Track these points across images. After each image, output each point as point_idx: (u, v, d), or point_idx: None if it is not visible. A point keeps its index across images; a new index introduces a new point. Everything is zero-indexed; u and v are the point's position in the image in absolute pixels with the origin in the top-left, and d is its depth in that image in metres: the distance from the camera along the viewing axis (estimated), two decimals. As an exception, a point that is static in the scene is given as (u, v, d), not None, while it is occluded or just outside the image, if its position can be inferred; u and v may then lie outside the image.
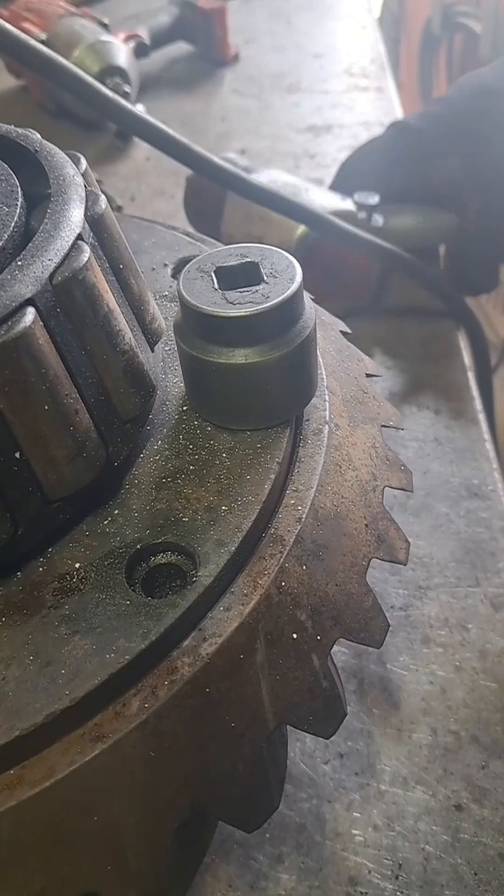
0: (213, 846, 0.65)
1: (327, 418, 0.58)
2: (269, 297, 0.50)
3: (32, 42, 0.73)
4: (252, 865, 0.65)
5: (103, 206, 0.51)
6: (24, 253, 0.45)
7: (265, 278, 0.52)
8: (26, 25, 1.61)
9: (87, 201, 0.50)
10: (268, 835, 0.67)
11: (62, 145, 0.54)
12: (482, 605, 0.84)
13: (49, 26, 1.62)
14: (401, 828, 0.68)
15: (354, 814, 0.69)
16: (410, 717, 0.76)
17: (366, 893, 0.64)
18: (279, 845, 0.67)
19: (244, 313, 0.49)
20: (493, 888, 0.65)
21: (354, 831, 0.68)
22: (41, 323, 0.44)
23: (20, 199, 0.49)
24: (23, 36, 0.72)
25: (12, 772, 0.43)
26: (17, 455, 0.45)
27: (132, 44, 1.74)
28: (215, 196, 1.09)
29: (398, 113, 1.71)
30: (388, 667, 0.79)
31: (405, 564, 0.57)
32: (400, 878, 0.65)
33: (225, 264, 0.53)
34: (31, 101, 1.77)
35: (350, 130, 1.64)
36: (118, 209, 0.48)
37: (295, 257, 0.53)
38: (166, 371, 0.60)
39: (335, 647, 0.51)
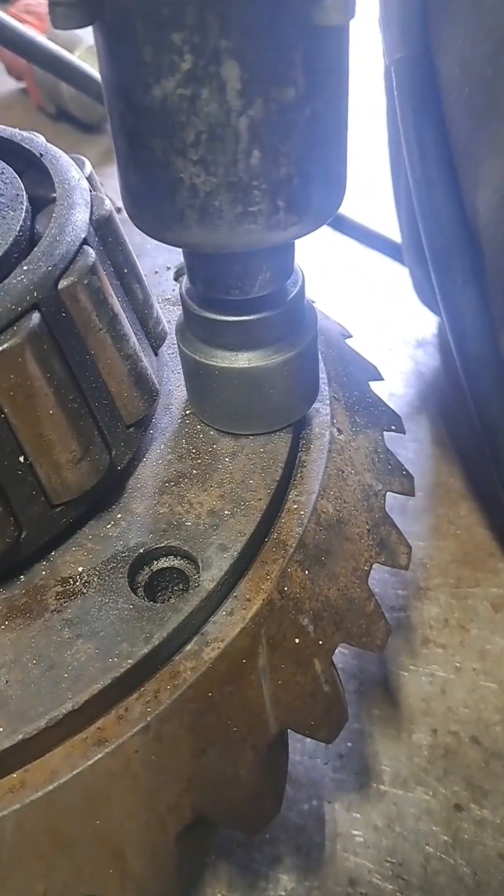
0: (212, 847, 0.65)
1: (329, 423, 0.58)
2: None
3: (44, 41, 0.73)
4: (252, 866, 0.65)
5: (108, 210, 0.51)
6: (29, 257, 0.45)
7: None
8: (27, 26, 1.60)
9: (91, 205, 0.50)
10: (268, 835, 0.67)
11: (62, 147, 0.54)
12: (482, 606, 0.84)
13: (48, 28, 1.62)
14: (401, 828, 0.68)
15: (354, 814, 0.69)
16: (410, 717, 0.76)
17: (366, 894, 0.65)
18: (279, 846, 0.67)
19: (247, 317, 0.49)
20: (493, 888, 0.65)
21: (354, 832, 0.68)
22: (46, 327, 0.44)
23: (25, 203, 0.49)
24: (37, 36, 0.72)
25: (15, 775, 0.43)
26: (22, 459, 0.46)
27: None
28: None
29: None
30: (387, 667, 0.80)
31: (407, 569, 0.57)
32: (400, 878, 0.65)
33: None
34: (30, 103, 1.77)
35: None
36: (118, 211, 0.48)
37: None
38: (169, 375, 0.61)
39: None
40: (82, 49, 1.57)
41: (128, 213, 0.46)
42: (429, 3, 0.66)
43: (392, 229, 1.17)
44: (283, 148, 0.40)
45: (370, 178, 1.34)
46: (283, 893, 0.64)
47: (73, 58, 0.87)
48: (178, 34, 0.36)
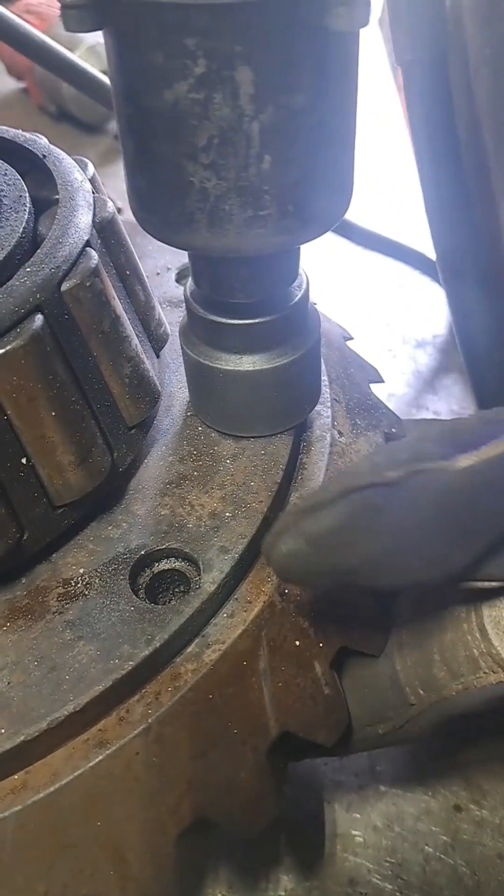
0: (213, 848, 0.65)
1: (330, 425, 0.58)
2: None
3: (47, 40, 0.73)
4: (252, 866, 0.66)
5: (111, 212, 0.51)
6: (32, 259, 0.45)
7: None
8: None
9: (94, 207, 0.50)
10: (268, 836, 0.67)
11: (63, 148, 0.54)
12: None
13: (49, 28, 1.61)
14: (400, 828, 0.68)
15: (354, 814, 0.69)
16: (409, 718, 0.76)
17: (365, 894, 0.65)
18: (279, 846, 0.67)
19: (252, 321, 0.49)
20: (493, 888, 0.65)
21: (354, 832, 0.68)
22: (49, 329, 0.44)
23: (28, 205, 0.49)
24: (39, 34, 0.72)
25: (16, 776, 0.43)
26: (24, 461, 0.46)
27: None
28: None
29: (397, 116, 1.69)
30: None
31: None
32: (399, 878, 0.65)
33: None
34: (31, 103, 1.76)
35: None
36: (118, 211, 0.49)
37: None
38: (170, 376, 0.61)
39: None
40: (83, 49, 1.57)
41: (135, 215, 0.46)
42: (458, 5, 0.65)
43: (390, 231, 1.17)
44: (294, 153, 0.40)
45: (371, 181, 1.35)
46: (283, 893, 0.65)
47: (76, 58, 0.87)
48: (192, 39, 0.36)
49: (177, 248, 0.46)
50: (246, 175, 0.40)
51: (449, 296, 0.77)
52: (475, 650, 0.49)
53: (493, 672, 0.49)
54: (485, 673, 0.49)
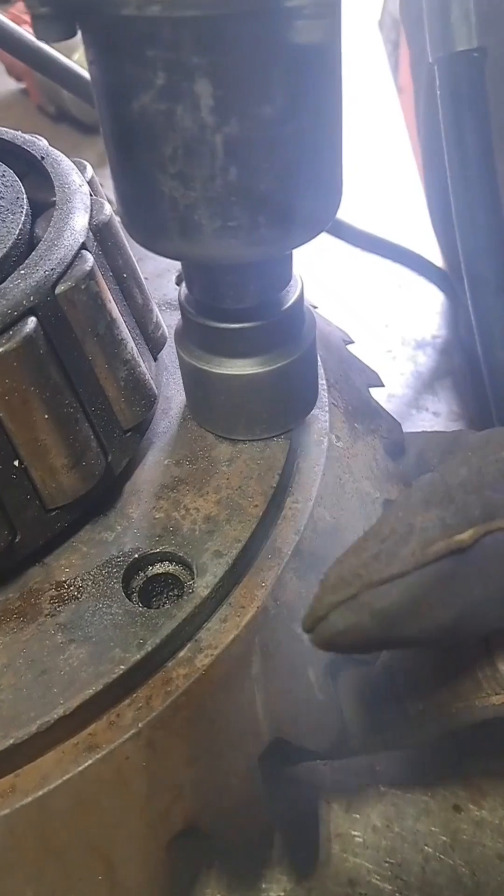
0: (209, 852, 0.65)
1: (328, 429, 0.58)
2: None
3: (42, 45, 0.72)
4: (250, 867, 0.65)
5: (108, 215, 0.51)
6: (27, 261, 0.45)
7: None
8: (26, 28, 1.59)
9: (91, 209, 0.50)
10: (265, 837, 0.67)
11: (62, 149, 0.54)
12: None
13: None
14: (400, 829, 0.68)
15: (353, 815, 0.69)
16: (407, 721, 0.75)
17: (365, 894, 0.64)
18: (277, 847, 0.67)
19: (243, 325, 0.49)
20: (492, 889, 0.65)
21: (353, 832, 0.68)
22: (42, 332, 0.44)
23: (25, 207, 0.48)
24: (34, 39, 0.72)
25: (5, 780, 0.43)
26: (17, 463, 0.45)
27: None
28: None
29: (397, 118, 1.69)
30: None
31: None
32: (399, 878, 0.65)
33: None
34: (31, 104, 1.76)
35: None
36: (117, 212, 0.49)
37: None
38: (168, 379, 0.60)
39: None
40: (80, 52, 1.56)
41: (121, 219, 0.46)
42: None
43: (389, 232, 1.17)
44: (263, 164, 0.39)
45: (370, 182, 1.34)
46: (283, 894, 0.64)
47: (72, 63, 0.87)
48: (152, 50, 0.36)
49: (156, 254, 0.46)
50: (213, 186, 0.39)
51: (472, 300, 0.76)
52: (479, 673, 0.49)
53: (497, 693, 0.49)
54: (486, 694, 0.49)
